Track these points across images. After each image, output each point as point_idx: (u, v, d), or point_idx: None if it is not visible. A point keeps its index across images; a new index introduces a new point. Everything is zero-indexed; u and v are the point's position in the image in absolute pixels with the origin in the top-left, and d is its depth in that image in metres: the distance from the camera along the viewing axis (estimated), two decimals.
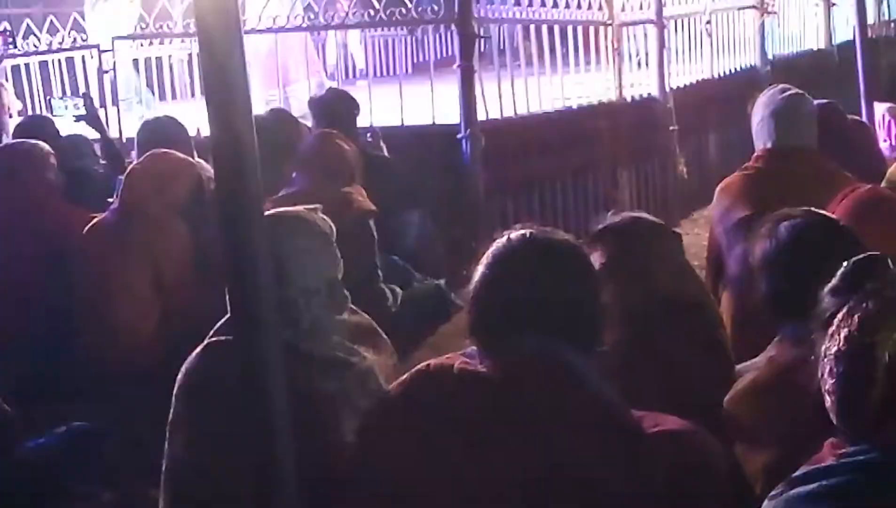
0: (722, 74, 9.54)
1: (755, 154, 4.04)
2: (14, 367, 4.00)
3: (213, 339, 2.56)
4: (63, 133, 5.61)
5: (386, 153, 5.87)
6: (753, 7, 10.08)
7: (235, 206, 1.77)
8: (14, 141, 4.67)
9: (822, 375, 1.73)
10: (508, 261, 2.19)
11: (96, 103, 6.43)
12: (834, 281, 2.05)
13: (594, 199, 7.45)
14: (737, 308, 3.65)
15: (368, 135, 5.94)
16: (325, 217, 2.74)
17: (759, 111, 3.99)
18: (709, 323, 2.76)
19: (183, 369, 2.57)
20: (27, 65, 8.55)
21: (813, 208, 2.67)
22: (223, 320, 2.48)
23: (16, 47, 7.27)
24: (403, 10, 6.83)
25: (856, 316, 1.68)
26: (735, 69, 9.75)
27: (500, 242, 2.26)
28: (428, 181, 5.92)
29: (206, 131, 6.89)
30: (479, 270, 2.22)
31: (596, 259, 2.54)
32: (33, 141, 4.57)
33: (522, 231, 2.26)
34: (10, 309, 4.22)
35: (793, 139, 3.91)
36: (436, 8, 6.82)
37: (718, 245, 4.02)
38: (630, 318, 2.54)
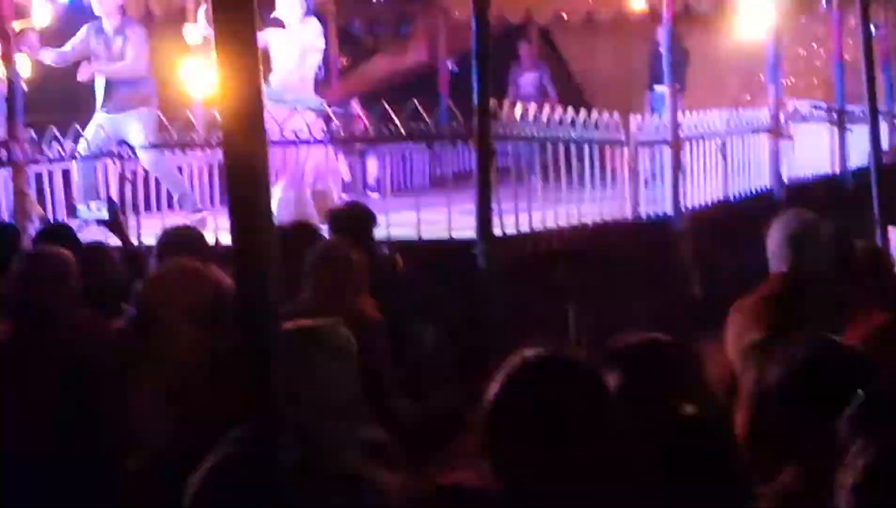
0: (736, 196, 9.61)
1: (770, 277, 4.06)
2: (28, 479, 3.97)
3: (221, 454, 2.54)
4: (84, 238, 5.67)
5: (401, 266, 5.91)
6: (768, 131, 10.20)
7: (255, 313, 1.79)
8: (38, 248, 4.71)
9: (839, 505, 1.72)
10: (523, 380, 2.19)
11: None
12: (849, 411, 2.05)
13: (608, 317, 7.44)
14: (750, 431, 3.62)
15: (385, 248, 5.99)
16: (346, 332, 2.75)
17: (775, 235, 4.02)
18: (727, 447, 2.74)
19: (191, 483, 2.56)
20: (50, 171, 8.67)
21: (829, 334, 2.67)
22: (230, 433, 2.46)
23: (42, 155, 7.39)
24: (423, 126, 6.94)
25: (872, 450, 1.67)
26: (750, 191, 9.83)
27: (514, 360, 2.26)
28: (442, 295, 5.94)
29: (224, 240, 6.98)
30: (494, 388, 2.22)
31: (612, 380, 2.54)
32: (57, 249, 4.61)
33: (537, 350, 2.26)
34: (26, 416, 4.21)
35: (808, 264, 3.94)
36: (454, 124, 6.93)
37: (732, 367, 4.01)
38: (647, 440, 2.52)
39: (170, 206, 9.05)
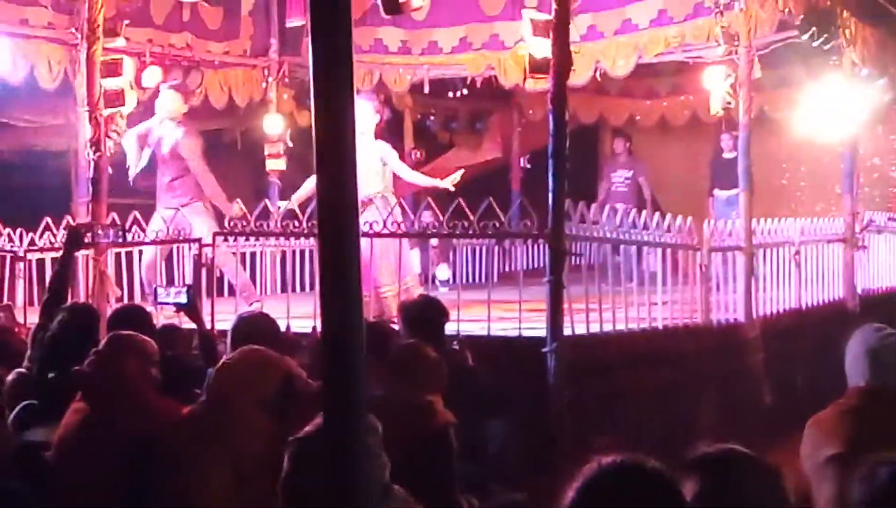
0: (809, 305, 9.51)
1: (848, 391, 4.00)
2: None
3: None
4: (159, 321, 5.75)
5: (471, 362, 5.91)
6: (843, 240, 10.12)
7: (342, 403, 1.81)
8: (121, 332, 4.79)
9: None
10: (600, 488, 2.18)
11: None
12: None
13: (677, 421, 7.36)
14: None
15: (455, 343, 6.00)
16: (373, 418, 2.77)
17: (854, 349, 3.97)
18: None
19: None
20: (129, 253, 8.86)
21: None
22: None
23: (125, 241, 7.55)
24: (497, 223, 6.98)
25: None
26: (823, 301, 9.72)
27: (591, 467, 2.25)
28: (511, 392, 5.92)
29: (295, 328, 7.05)
30: (570, 495, 2.21)
31: (687, 490, 2.51)
32: (144, 337, 4.69)
33: (614, 458, 2.25)
34: (93, 496, 4.24)
35: (888, 379, 3.88)
36: (528, 222, 6.96)
37: (807, 480, 3.94)
38: None
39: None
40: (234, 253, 9.06)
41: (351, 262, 1.78)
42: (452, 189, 8.49)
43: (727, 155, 12.05)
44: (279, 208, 8.39)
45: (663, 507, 2.16)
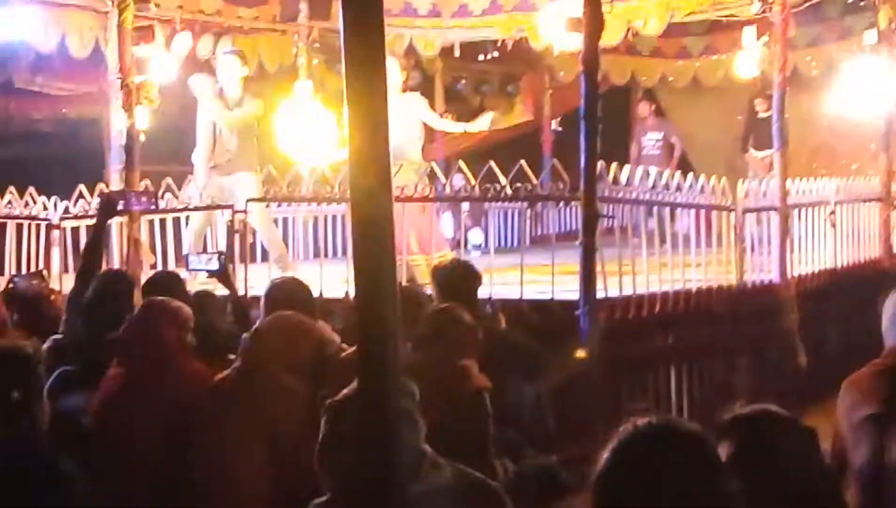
0: (845, 265, 9.43)
1: (885, 351, 3.96)
2: None
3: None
4: (193, 287, 5.77)
5: (504, 325, 5.91)
6: (879, 199, 10.01)
7: (377, 367, 1.81)
8: (156, 298, 4.82)
9: None
10: (635, 450, 2.17)
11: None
12: None
13: (710, 383, 7.34)
14: (864, 507, 3.53)
15: (488, 307, 6.00)
16: (410, 382, 2.77)
17: (890, 308, 3.93)
18: None
19: None
20: (163, 220, 8.90)
21: None
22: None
23: (157, 208, 7.58)
24: (529, 186, 6.95)
25: None
26: (858, 261, 9.63)
27: (626, 429, 2.24)
28: (544, 355, 5.92)
29: (327, 293, 7.07)
30: (605, 456, 2.21)
31: (723, 451, 2.50)
32: (180, 303, 4.71)
33: (649, 419, 2.24)
34: (132, 462, 4.28)
35: None
36: (560, 185, 6.93)
37: (843, 441, 3.92)
38: None
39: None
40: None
41: (384, 226, 1.78)
42: (486, 127, 8.56)
43: (762, 115, 11.94)
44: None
45: (699, 468, 2.15)
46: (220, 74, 9.13)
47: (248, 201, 8.05)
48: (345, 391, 2.78)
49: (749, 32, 8.88)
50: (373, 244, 1.78)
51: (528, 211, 12.03)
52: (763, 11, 8.78)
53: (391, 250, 1.81)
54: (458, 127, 9.35)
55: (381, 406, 1.80)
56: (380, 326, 1.77)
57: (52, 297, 6.22)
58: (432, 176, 8.26)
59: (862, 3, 8.86)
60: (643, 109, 13.72)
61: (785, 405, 2.91)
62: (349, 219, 8.85)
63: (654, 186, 7.41)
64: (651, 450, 2.17)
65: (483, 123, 8.72)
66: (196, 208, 8.56)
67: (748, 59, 9.14)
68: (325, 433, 2.94)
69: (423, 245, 8.02)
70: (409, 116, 8.52)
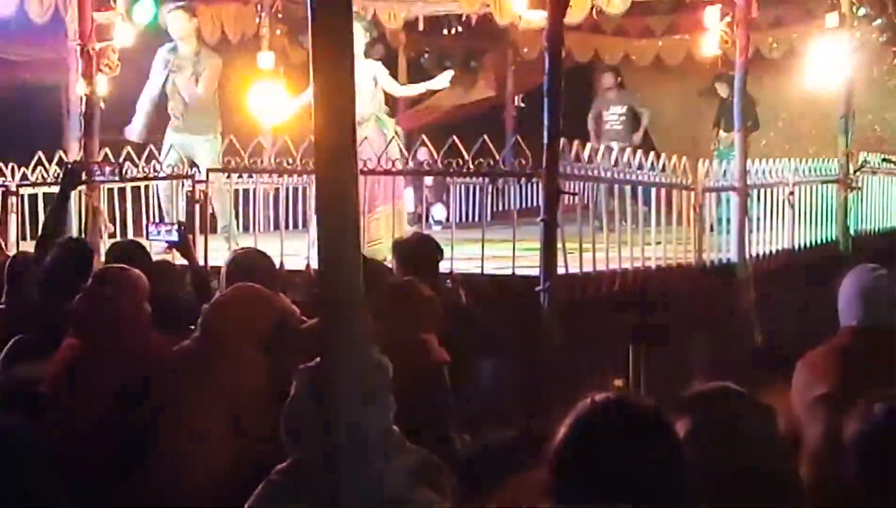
0: (803, 246, 9.52)
1: (839, 331, 4.01)
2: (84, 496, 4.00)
3: (275, 475, 2.58)
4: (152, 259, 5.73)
5: (464, 300, 5.92)
6: (837, 181, 10.11)
7: (339, 336, 1.81)
8: (110, 266, 4.78)
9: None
10: (592, 425, 2.19)
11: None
12: None
13: (668, 361, 7.39)
14: (816, 486, 3.57)
15: (448, 281, 6.01)
16: (384, 359, 2.77)
17: (846, 289, 3.98)
18: (797, 499, 2.71)
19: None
20: (122, 189, 8.82)
21: None
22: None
23: (121, 178, 7.52)
24: (491, 162, 6.95)
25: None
26: (816, 242, 9.73)
27: (584, 405, 2.26)
28: (504, 330, 5.94)
29: (288, 265, 7.05)
30: (563, 431, 2.22)
31: (680, 428, 2.52)
32: (129, 268, 4.67)
33: (607, 395, 2.26)
34: (87, 432, 4.25)
35: (880, 320, 3.89)
36: (522, 161, 6.94)
37: (797, 419, 3.97)
38: (714, 490, 2.50)
39: (245, 229, 9.23)
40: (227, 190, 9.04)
41: (348, 199, 1.77)
42: (447, 84, 8.59)
43: (726, 97, 11.94)
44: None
45: (655, 443, 2.17)
46: (171, 31, 9.05)
47: (208, 170, 7.99)
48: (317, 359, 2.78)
49: (712, 13, 8.90)
50: (337, 213, 1.78)
51: (490, 187, 12.03)
52: None
53: (355, 219, 1.81)
54: (419, 88, 9.35)
55: (342, 380, 1.80)
56: (344, 294, 1.77)
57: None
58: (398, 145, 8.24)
59: None
60: (608, 79, 13.11)
61: (741, 384, 2.94)
62: (311, 192, 8.89)
63: (616, 164, 7.43)
64: (609, 425, 2.19)
65: (443, 81, 8.72)
66: (157, 178, 8.49)
67: (710, 39, 9.16)
68: (292, 397, 2.93)
69: (385, 195, 8.02)
70: (369, 83, 8.47)
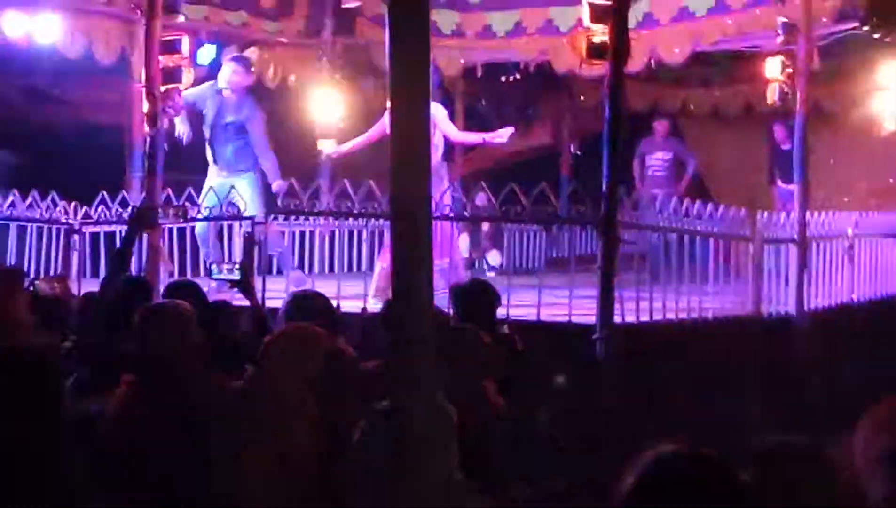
0: (862, 300, 9.40)
1: None
2: None
3: None
4: (211, 297, 5.79)
5: (520, 347, 5.90)
6: None
7: (410, 379, 1.81)
8: (155, 303, 4.84)
9: None
10: (659, 476, 2.17)
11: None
12: None
13: (726, 413, 7.31)
14: None
15: (504, 327, 6.00)
16: (449, 405, 2.76)
17: None
18: None
19: None
20: (182, 229, 8.93)
21: None
22: None
23: (184, 219, 7.61)
24: (549, 209, 6.96)
25: None
26: (876, 295, 9.60)
27: (650, 455, 2.24)
28: (560, 378, 5.91)
29: (345, 308, 7.07)
30: (628, 481, 2.20)
31: (745, 481, 2.48)
32: (176, 301, 4.72)
33: (673, 446, 2.24)
34: (145, 467, 4.29)
35: None
36: (580, 208, 6.94)
37: (859, 475, 3.90)
38: None
39: (301, 267, 9.30)
40: (283, 232, 9.12)
41: (422, 244, 1.78)
42: (504, 140, 8.60)
43: (785, 147, 11.86)
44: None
45: (723, 496, 2.15)
46: (220, 78, 9.20)
47: (267, 212, 8.07)
48: (380, 405, 2.78)
49: (772, 64, 8.88)
50: (411, 263, 1.78)
51: (545, 234, 12.04)
52: (787, 43, 8.78)
53: (429, 262, 1.82)
54: (475, 138, 9.39)
55: (412, 424, 1.80)
56: (415, 337, 1.78)
57: (71, 302, 6.24)
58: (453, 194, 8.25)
59: (887, 40, 8.87)
60: (659, 126, 12.96)
61: (801, 438, 2.91)
62: (366, 234, 8.95)
63: (675, 213, 7.41)
64: (675, 476, 2.16)
65: (502, 137, 8.72)
66: (218, 218, 8.58)
67: (770, 90, 9.13)
68: (357, 440, 2.93)
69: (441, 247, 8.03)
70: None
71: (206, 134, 9.24)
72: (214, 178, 9.08)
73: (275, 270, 9.16)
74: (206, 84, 9.28)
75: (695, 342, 7.23)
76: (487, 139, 9.03)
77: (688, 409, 7.11)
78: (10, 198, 9.10)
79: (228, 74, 9.18)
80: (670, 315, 7.20)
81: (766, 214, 8.49)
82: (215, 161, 9.20)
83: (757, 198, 12.09)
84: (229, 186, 8.71)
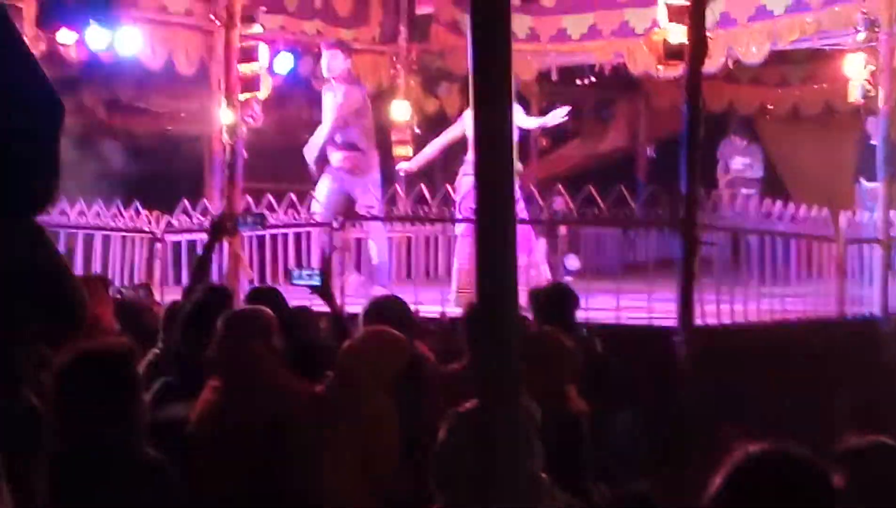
0: None
1: None
2: None
3: None
4: (292, 302, 5.83)
5: (599, 350, 5.87)
6: None
7: (498, 379, 1.82)
8: (242, 307, 4.89)
9: None
10: (751, 476, 2.15)
11: None
12: None
13: (808, 415, 7.20)
14: None
15: (584, 330, 5.97)
16: (534, 405, 2.76)
17: None
18: None
19: None
20: (262, 236, 9.03)
21: None
22: None
23: (263, 227, 7.69)
24: (627, 212, 6.92)
25: None
26: None
27: (739, 455, 2.22)
28: (640, 381, 5.87)
29: (423, 312, 7.10)
30: (720, 481, 2.19)
31: (836, 481, 2.45)
32: (259, 307, 4.77)
33: (762, 446, 2.22)
34: (230, 472, 4.34)
35: None
36: (658, 211, 6.89)
37: None
38: None
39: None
40: (357, 239, 9.15)
41: (507, 246, 1.78)
42: (561, 119, 8.65)
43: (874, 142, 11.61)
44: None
45: (816, 496, 2.12)
46: (323, 69, 9.20)
47: (343, 218, 8.13)
48: (465, 407, 2.79)
49: (853, 61, 8.73)
50: (496, 265, 1.79)
51: (623, 237, 11.96)
52: (868, 40, 8.63)
53: (513, 264, 1.82)
54: (534, 122, 9.52)
55: (497, 427, 1.80)
56: (505, 336, 1.78)
57: (154, 309, 6.34)
58: (530, 198, 8.25)
59: None
60: (736, 140, 12.99)
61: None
62: (443, 240, 8.97)
63: (756, 214, 7.33)
64: (767, 476, 2.14)
65: (557, 117, 8.92)
66: (295, 225, 8.65)
67: (851, 88, 8.97)
68: (443, 441, 2.94)
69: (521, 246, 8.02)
70: None
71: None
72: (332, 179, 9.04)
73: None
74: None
75: (777, 344, 7.14)
76: (544, 122, 9.18)
77: (770, 411, 7.01)
78: (95, 207, 9.28)
79: (330, 62, 9.12)
80: (752, 317, 7.11)
81: (848, 213, 8.36)
82: (334, 156, 9.10)
83: (837, 198, 11.89)
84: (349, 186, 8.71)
